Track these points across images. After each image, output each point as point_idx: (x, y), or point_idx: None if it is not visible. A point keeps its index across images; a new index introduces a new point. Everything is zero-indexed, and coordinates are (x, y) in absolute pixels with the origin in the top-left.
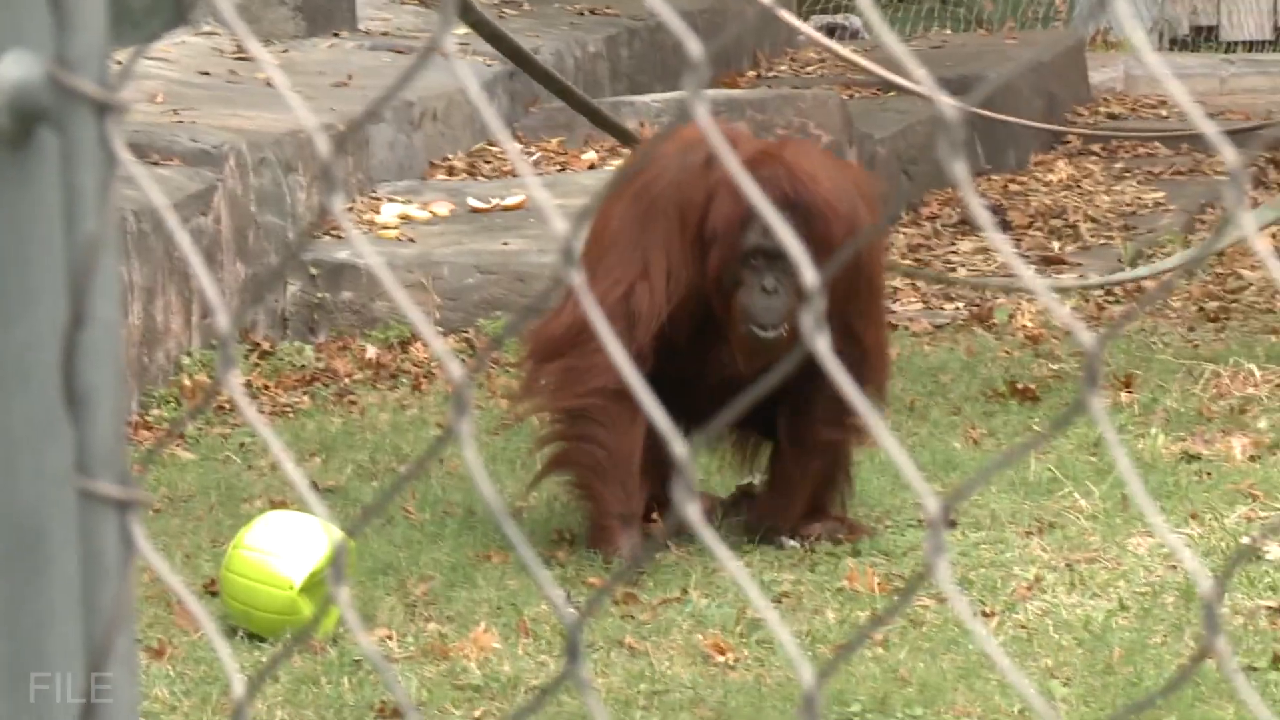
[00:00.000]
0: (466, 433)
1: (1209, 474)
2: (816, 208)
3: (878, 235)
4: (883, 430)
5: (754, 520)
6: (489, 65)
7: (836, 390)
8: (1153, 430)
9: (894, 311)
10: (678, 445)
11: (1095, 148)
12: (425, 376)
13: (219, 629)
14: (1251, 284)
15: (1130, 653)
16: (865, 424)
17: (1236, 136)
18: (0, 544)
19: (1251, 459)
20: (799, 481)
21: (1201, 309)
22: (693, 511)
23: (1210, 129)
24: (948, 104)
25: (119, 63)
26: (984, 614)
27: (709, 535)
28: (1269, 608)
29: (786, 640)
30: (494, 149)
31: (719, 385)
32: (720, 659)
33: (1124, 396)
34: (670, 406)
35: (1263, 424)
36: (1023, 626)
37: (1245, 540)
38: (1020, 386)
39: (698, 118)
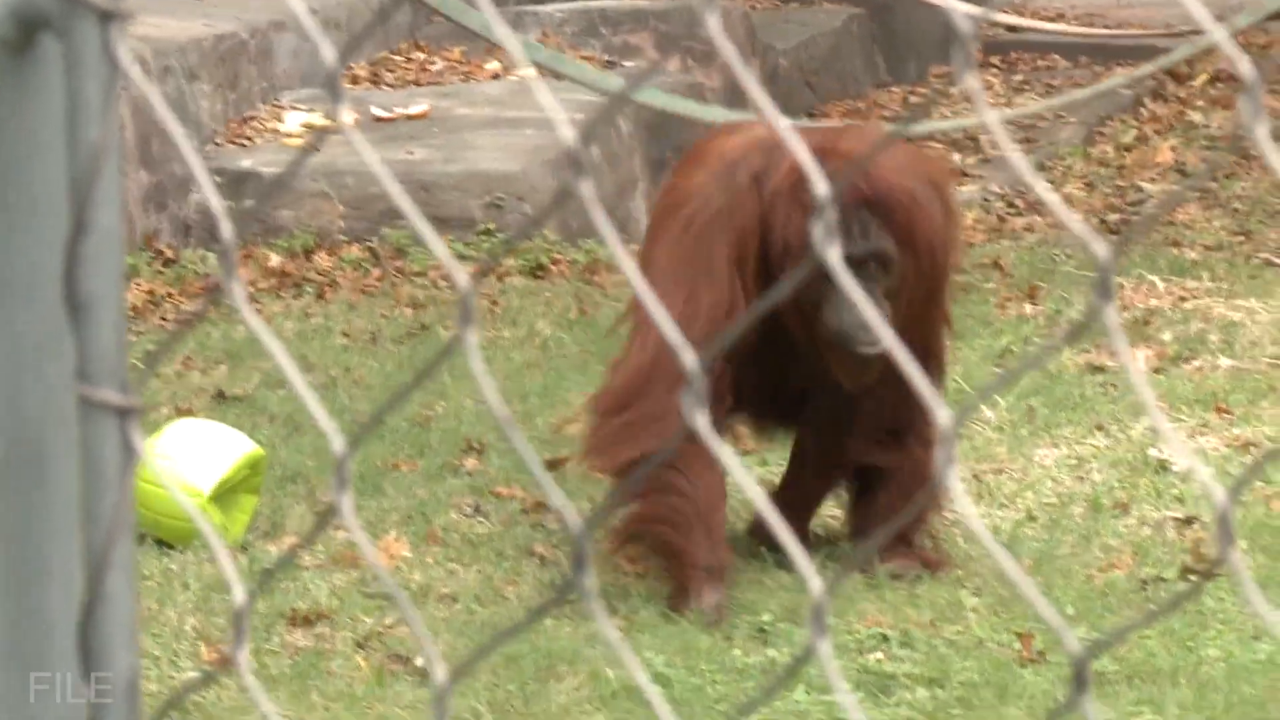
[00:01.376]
0: (472, 342)
1: (1114, 385)
2: (897, 201)
3: (955, 229)
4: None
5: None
6: None
7: (884, 406)
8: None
9: None
10: (766, 510)
11: (994, 60)
12: (329, 285)
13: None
14: (1151, 196)
15: (1039, 562)
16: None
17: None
18: (3, 455)
19: (1155, 370)
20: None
21: (1103, 221)
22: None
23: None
24: (962, 15)
25: None
26: None
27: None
28: (1176, 519)
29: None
30: (397, 58)
31: (799, 396)
32: (630, 568)
33: (1029, 308)
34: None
35: (1166, 336)
36: (930, 536)
37: (1153, 452)
38: None
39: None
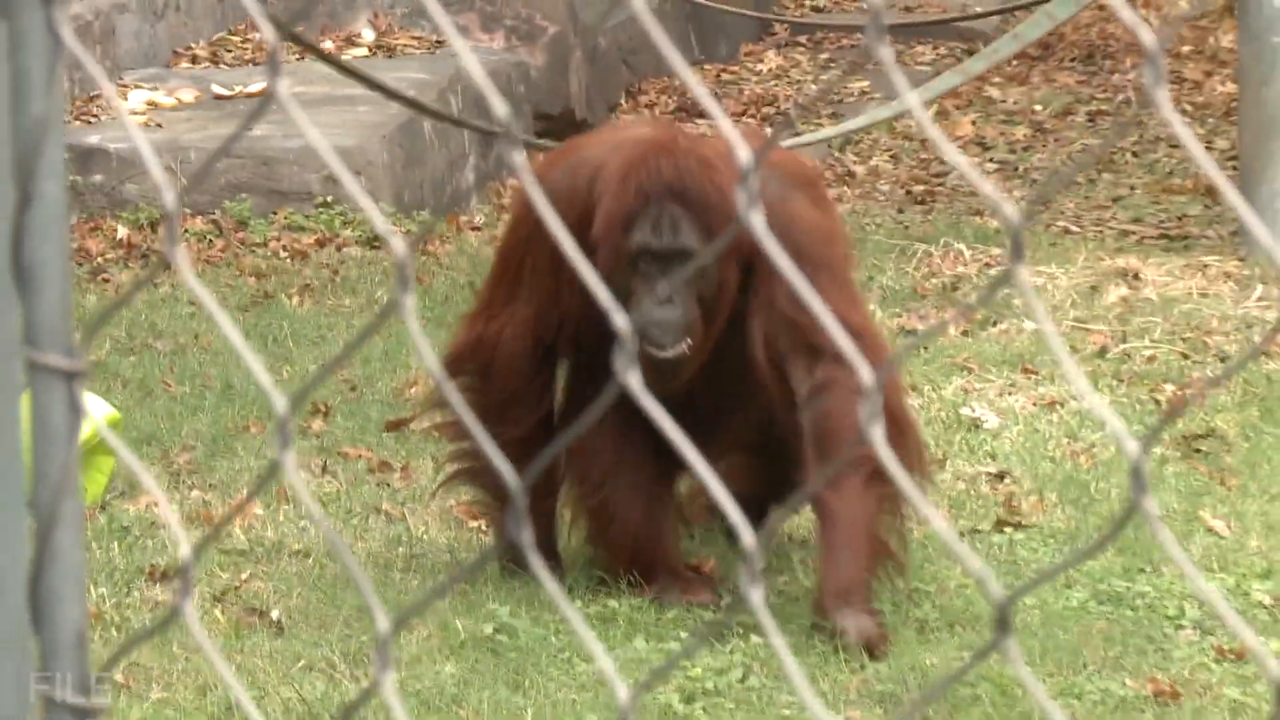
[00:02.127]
0: (409, 306)
1: (925, 348)
2: (708, 196)
3: (817, 219)
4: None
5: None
6: None
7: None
8: (870, 307)
9: None
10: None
11: (802, 39)
12: None
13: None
14: (955, 168)
15: None
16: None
17: (929, 28)
18: None
19: (964, 334)
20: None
21: (908, 192)
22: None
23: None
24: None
25: None
26: None
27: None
28: (989, 474)
29: None
30: (235, 38)
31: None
32: (473, 524)
33: None
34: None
35: (973, 300)
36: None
37: (965, 411)
38: None
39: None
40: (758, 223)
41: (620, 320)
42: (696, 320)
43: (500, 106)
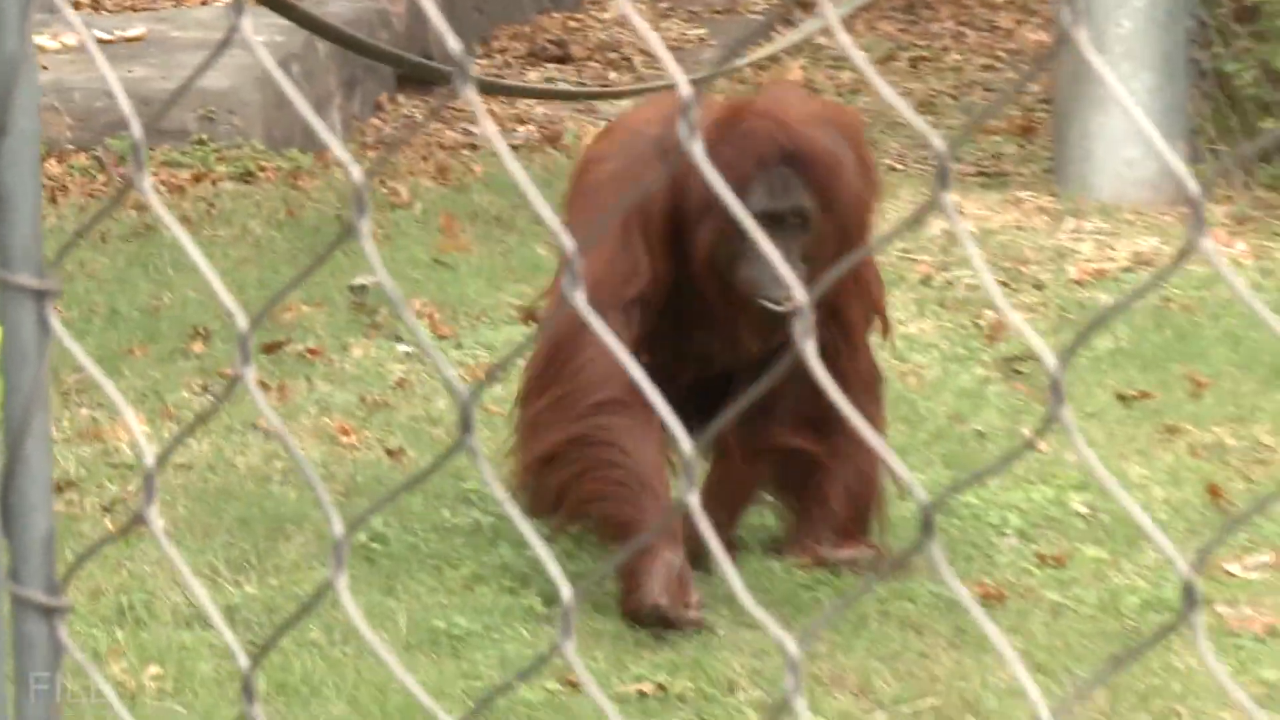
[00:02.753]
0: (366, 230)
1: None
2: (819, 158)
3: (872, 183)
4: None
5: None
6: None
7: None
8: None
9: (473, 134)
10: (685, 444)
11: None
12: (60, 189)
13: None
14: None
15: None
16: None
17: None
18: None
19: None
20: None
21: None
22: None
23: None
24: None
25: None
26: None
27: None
28: None
29: None
30: None
31: (721, 383)
32: (345, 440)
33: None
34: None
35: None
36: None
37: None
38: None
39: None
40: (696, 152)
41: (799, 292)
42: (804, 276)
43: (454, 43)
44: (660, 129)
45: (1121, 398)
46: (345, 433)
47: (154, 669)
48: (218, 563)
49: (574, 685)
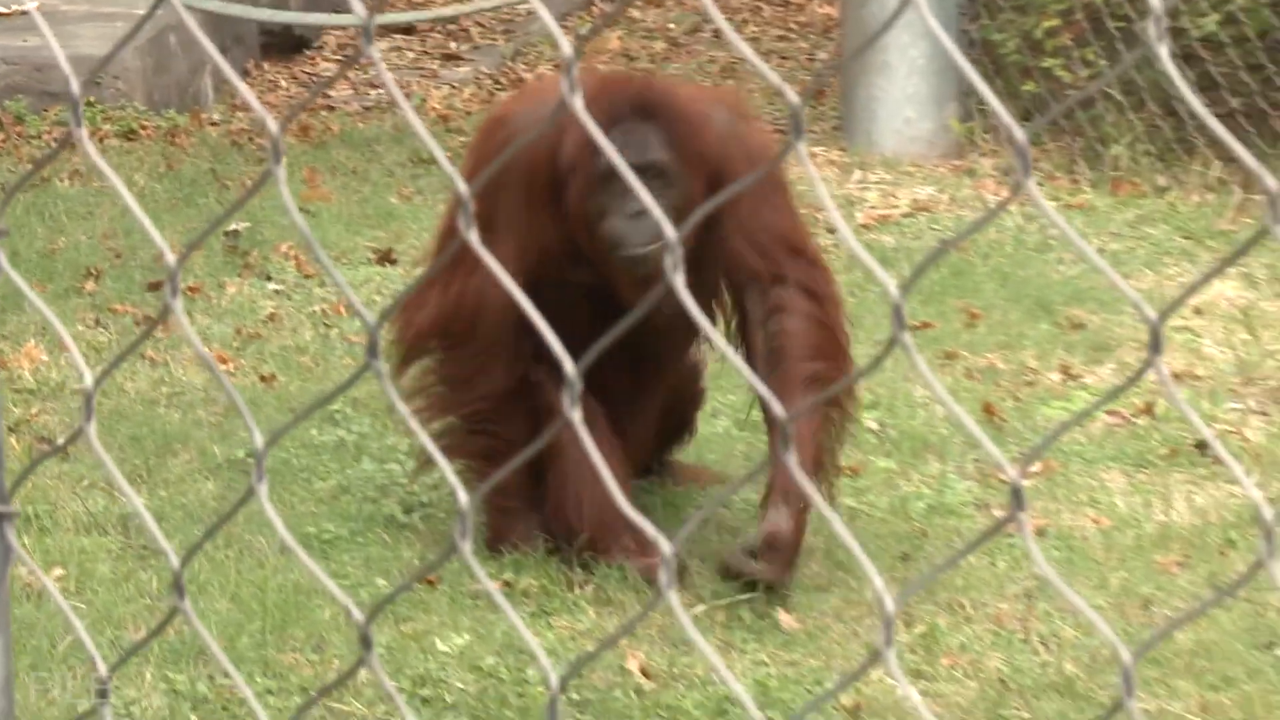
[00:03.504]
0: (281, 175)
1: None
2: (678, 112)
3: (766, 142)
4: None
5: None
6: None
7: (810, 319)
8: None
9: (330, 97)
10: (568, 365)
11: None
12: None
13: None
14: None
15: None
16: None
17: None
18: None
19: None
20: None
21: None
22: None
23: None
24: None
25: None
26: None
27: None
28: None
29: None
30: None
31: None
32: (224, 367)
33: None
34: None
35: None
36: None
37: None
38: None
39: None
40: (577, 104)
41: (667, 230)
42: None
43: (359, 7)
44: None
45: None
46: (223, 361)
47: (58, 571)
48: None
49: (432, 584)
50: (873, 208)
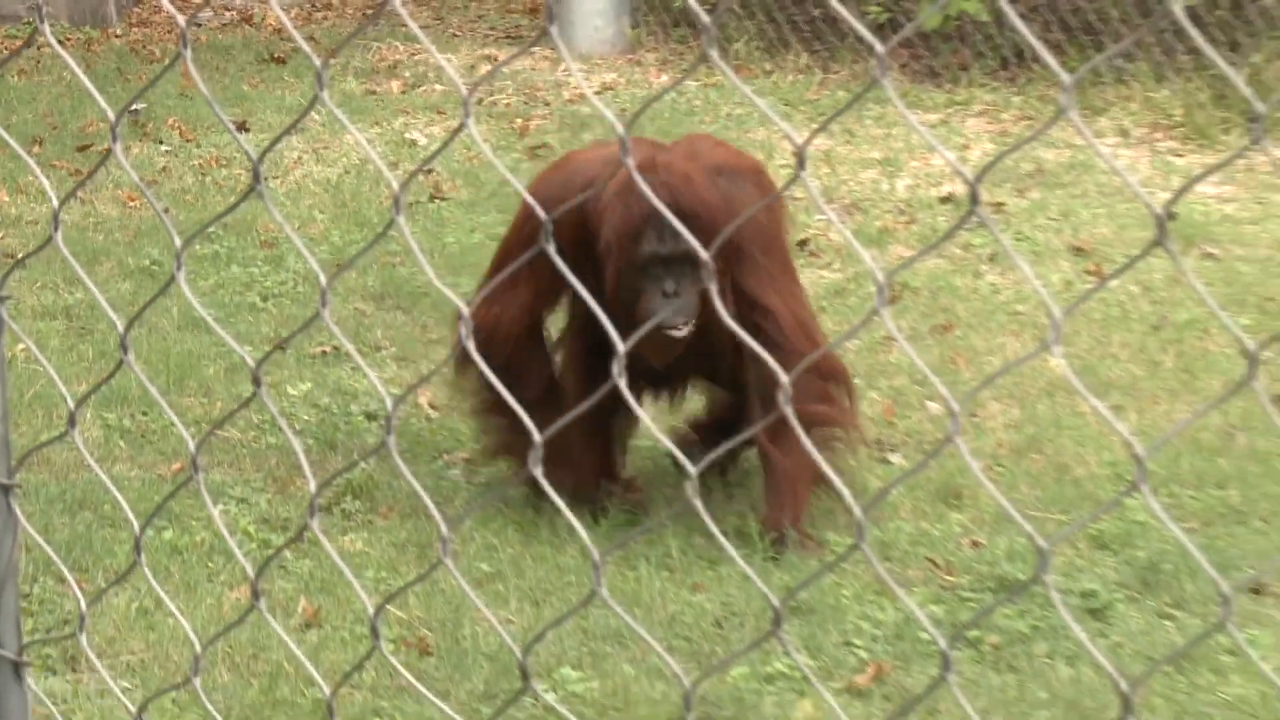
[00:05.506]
0: (189, 59)
1: (382, 102)
2: (706, 205)
3: (764, 212)
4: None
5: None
6: None
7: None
8: (348, 79)
9: (199, 18)
10: (618, 341)
11: None
12: None
13: None
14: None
15: (356, 197)
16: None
17: None
18: None
19: (403, 92)
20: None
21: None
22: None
23: None
24: None
25: None
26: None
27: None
28: (421, 175)
29: None
30: None
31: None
32: (130, 204)
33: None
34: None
35: (406, 74)
36: (294, 185)
37: (409, 135)
38: (277, 56)
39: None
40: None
41: (617, 341)
42: (697, 305)
43: None
44: (594, 170)
45: None
46: (130, 200)
47: (20, 346)
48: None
49: (282, 349)
50: (574, 88)
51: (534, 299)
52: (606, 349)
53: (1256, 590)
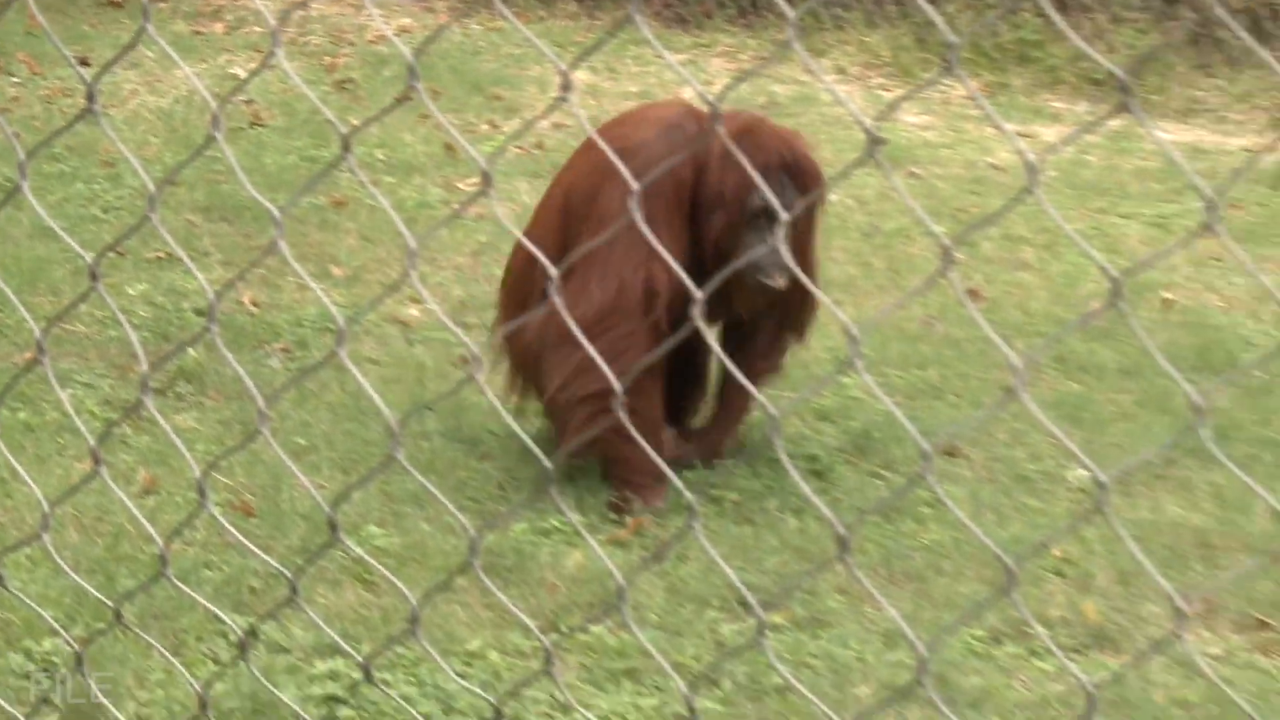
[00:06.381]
0: (35, 9)
1: (208, 41)
2: (806, 166)
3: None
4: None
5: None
6: None
7: (775, 328)
8: (177, 22)
9: None
10: (695, 289)
11: None
12: None
13: None
14: None
15: (186, 124)
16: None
17: None
18: None
19: (226, 33)
20: (737, 413)
21: None
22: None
23: None
24: None
25: None
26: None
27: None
28: (238, 86)
29: None
30: None
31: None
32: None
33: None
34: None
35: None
36: (131, 113)
37: (233, 72)
38: (114, 0)
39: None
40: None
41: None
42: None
43: None
44: (692, 126)
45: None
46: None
47: None
48: None
49: (121, 254)
50: (377, 32)
51: (675, 258)
52: (682, 302)
53: (950, 453)
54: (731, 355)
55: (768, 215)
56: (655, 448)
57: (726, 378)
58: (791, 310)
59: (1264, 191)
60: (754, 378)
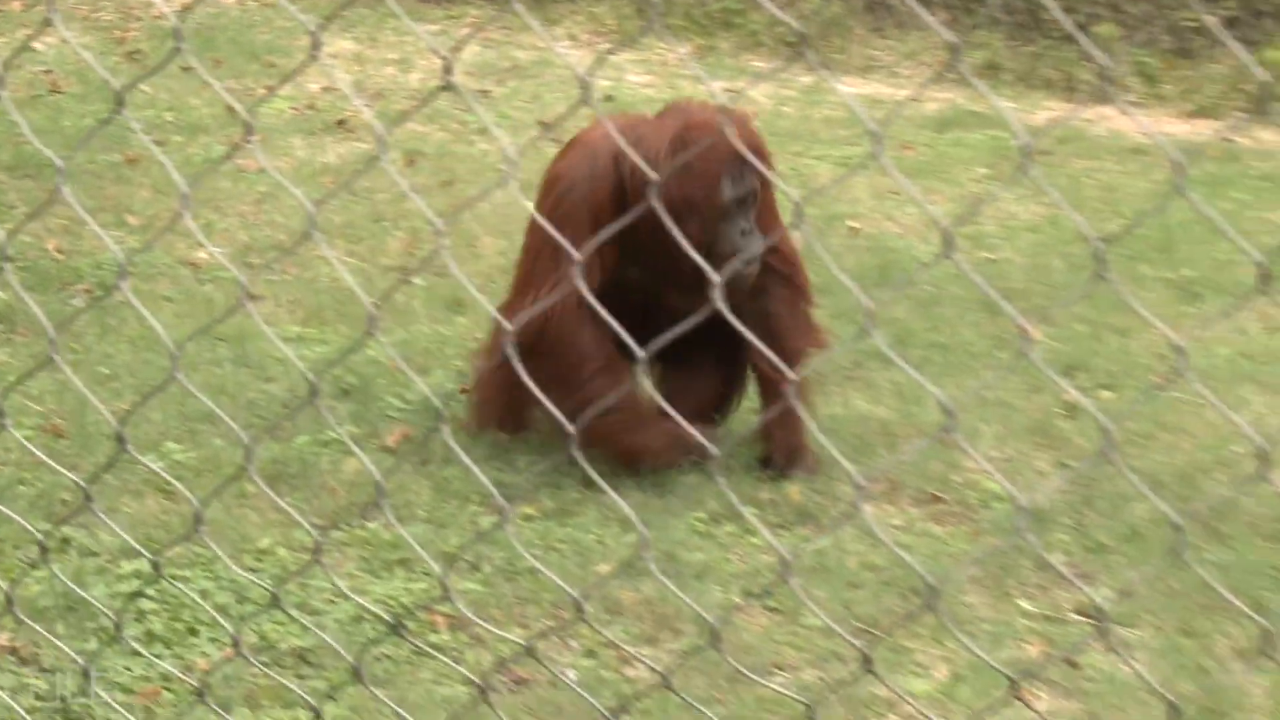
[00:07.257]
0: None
1: (5, 17)
2: (753, 143)
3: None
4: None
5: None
6: None
7: (786, 299)
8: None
9: None
10: (637, 350)
11: None
12: None
13: None
14: None
15: None
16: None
17: None
18: None
19: (24, 9)
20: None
21: None
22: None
23: None
24: None
25: None
26: None
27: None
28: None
29: None
30: None
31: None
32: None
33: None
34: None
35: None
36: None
37: None
38: None
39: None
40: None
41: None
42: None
43: None
44: (613, 146)
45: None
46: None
47: None
48: None
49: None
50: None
51: (586, 271)
52: (622, 308)
53: None
54: (765, 341)
55: (738, 204)
56: (636, 418)
57: (759, 370)
58: (783, 275)
59: (930, 135)
60: (788, 358)
